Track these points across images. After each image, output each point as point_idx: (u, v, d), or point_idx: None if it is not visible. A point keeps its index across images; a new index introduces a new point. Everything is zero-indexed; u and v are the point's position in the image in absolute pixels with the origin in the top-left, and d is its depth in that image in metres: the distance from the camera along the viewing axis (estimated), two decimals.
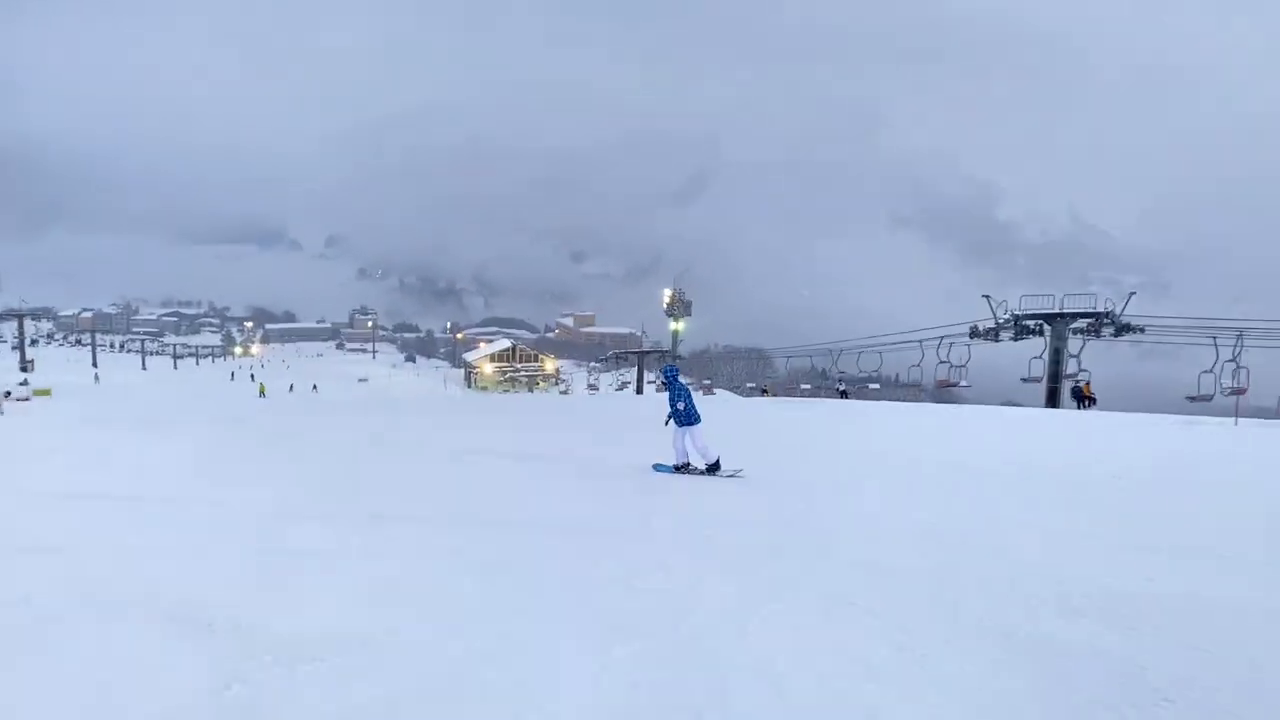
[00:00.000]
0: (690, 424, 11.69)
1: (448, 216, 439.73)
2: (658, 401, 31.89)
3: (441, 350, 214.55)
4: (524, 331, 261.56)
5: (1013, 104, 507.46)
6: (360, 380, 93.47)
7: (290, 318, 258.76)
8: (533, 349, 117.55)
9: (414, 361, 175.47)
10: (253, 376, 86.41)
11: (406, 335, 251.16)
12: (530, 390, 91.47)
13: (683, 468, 11.79)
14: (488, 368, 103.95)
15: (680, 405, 11.72)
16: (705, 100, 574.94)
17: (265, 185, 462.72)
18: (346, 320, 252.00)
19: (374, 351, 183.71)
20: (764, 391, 42.68)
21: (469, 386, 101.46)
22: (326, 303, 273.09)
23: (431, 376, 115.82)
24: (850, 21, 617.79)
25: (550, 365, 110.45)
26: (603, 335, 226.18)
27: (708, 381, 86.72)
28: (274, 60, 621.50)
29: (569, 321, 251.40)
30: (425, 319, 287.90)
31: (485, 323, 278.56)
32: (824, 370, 62.12)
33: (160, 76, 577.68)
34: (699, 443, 11.56)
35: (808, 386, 54.87)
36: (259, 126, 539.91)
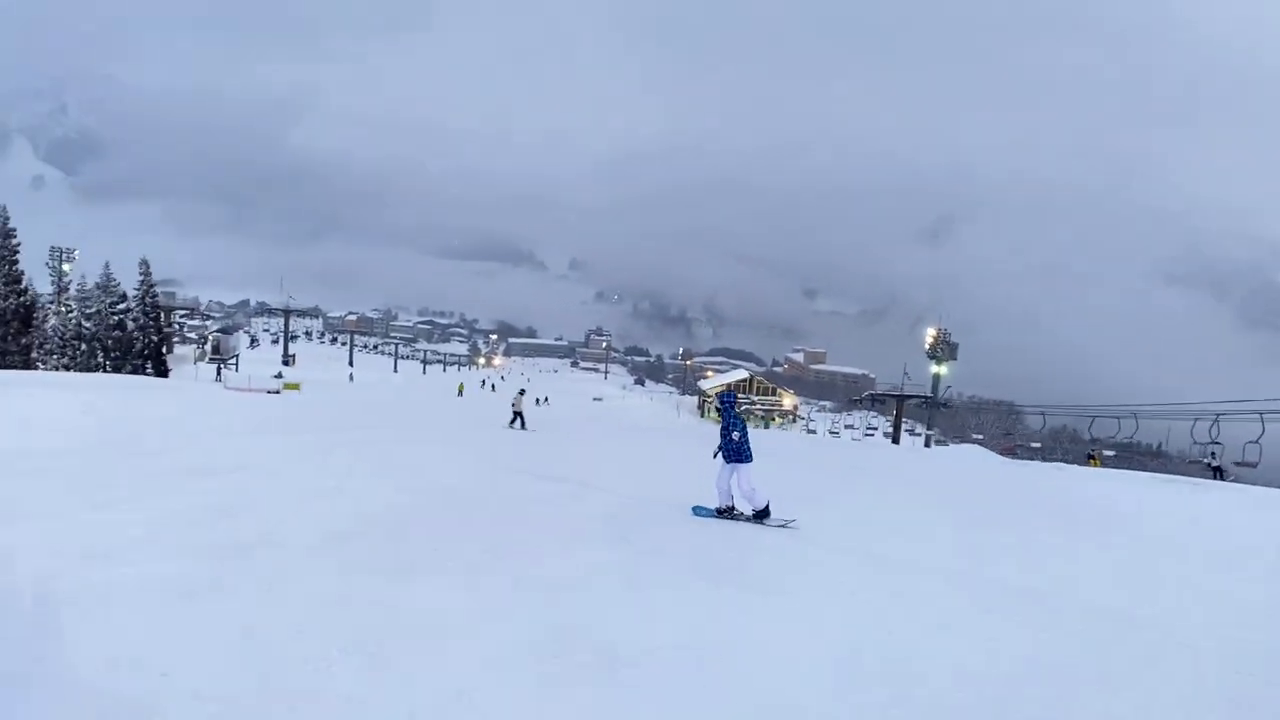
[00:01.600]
0: (740, 461, 10.26)
1: (683, 246, 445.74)
2: (925, 457, 26.15)
3: (669, 375, 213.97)
4: (751, 364, 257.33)
5: None
6: (595, 399, 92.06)
7: (531, 333, 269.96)
8: (770, 382, 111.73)
9: (643, 385, 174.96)
10: (493, 387, 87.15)
11: (636, 358, 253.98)
12: (766, 426, 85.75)
13: (726, 511, 10.47)
14: None
15: (735, 436, 10.28)
16: (961, 141, 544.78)
17: (517, 208, 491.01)
18: (582, 340, 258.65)
19: (606, 372, 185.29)
20: (1091, 459, 34.50)
21: (702, 415, 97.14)
22: (564, 322, 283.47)
23: (664, 402, 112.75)
24: (1125, 66, 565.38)
25: (789, 401, 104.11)
26: (833, 374, 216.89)
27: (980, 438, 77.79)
28: (529, 92, 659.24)
29: (799, 357, 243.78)
30: (655, 344, 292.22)
31: (712, 352, 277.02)
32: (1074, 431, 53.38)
33: (428, 103, 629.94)
34: (744, 485, 10.16)
35: (1111, 453, 45.49)
36: (514, 154, 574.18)
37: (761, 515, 10.14)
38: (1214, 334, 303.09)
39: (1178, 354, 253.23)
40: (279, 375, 47.69)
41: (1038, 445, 47.27)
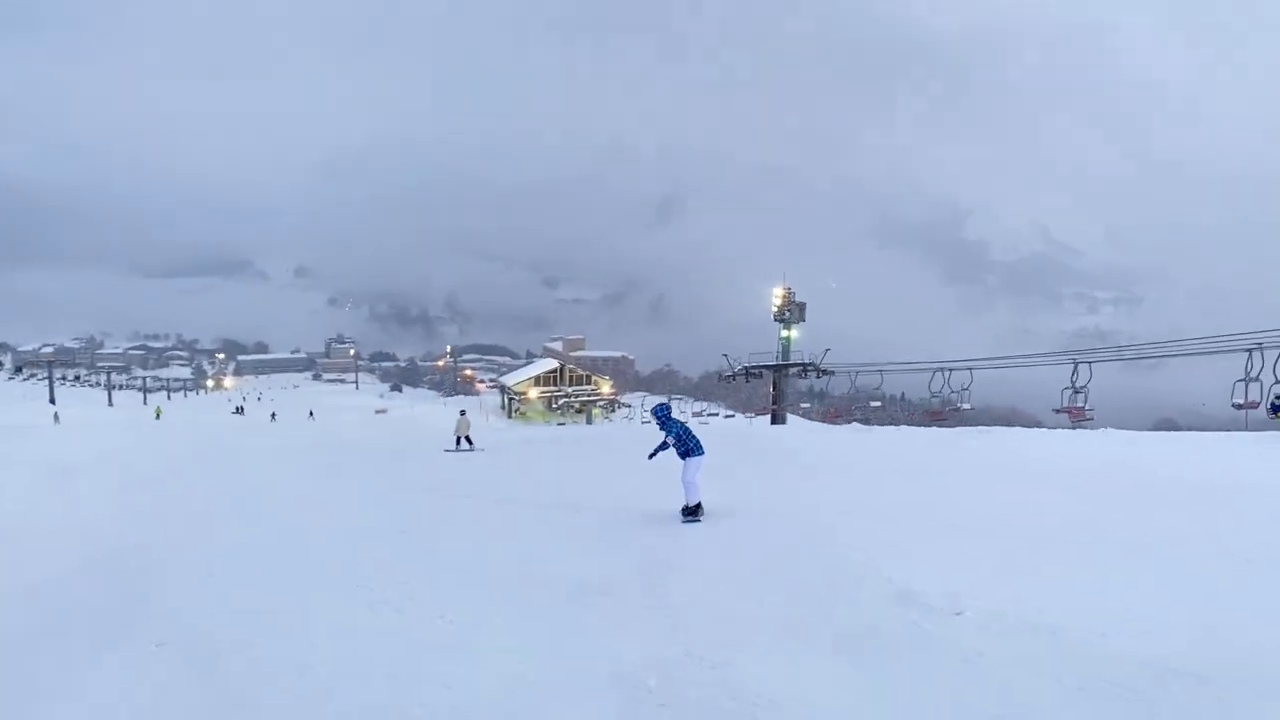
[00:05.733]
0: (690, 455, 11.09)
1: (417, 244, 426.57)
2: (818, 436, 25.11)
3: (425, 379, 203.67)
4: (506, 358, 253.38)
5: (977, 124, 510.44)
6: (378, 412, 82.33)
7: (262, 349, 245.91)
8: (582, 369, 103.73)
9: (400, 391, 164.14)
10: (239, 409, 75.73)
11: (384, 364, 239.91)
12: (589, 420, 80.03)
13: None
14: (533, 393, 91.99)
15: (670, 441, 11.28)
16: (676, 121, 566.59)
17: (229, 217, 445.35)
18: (322, 350, 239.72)
19: (356, 382, 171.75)
20: None
21: (509, 416, 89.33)
22: (299, 333, 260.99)
23: (464, 405, 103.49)
24: (809, 44, 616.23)
25: (606, 387, 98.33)
26: (594, 359, 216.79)
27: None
28: (236, 92, 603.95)
29: (558, 346, 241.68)
30: (399, 348, 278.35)
31: (465, 350, 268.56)
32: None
33: (124, 111, 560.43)
34: (688, 475, 10.97)
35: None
36: (223, 159, 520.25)
37: (690, 512, 10.90)
38: (927, 290, 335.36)
39: (903, 312, 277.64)
40: None
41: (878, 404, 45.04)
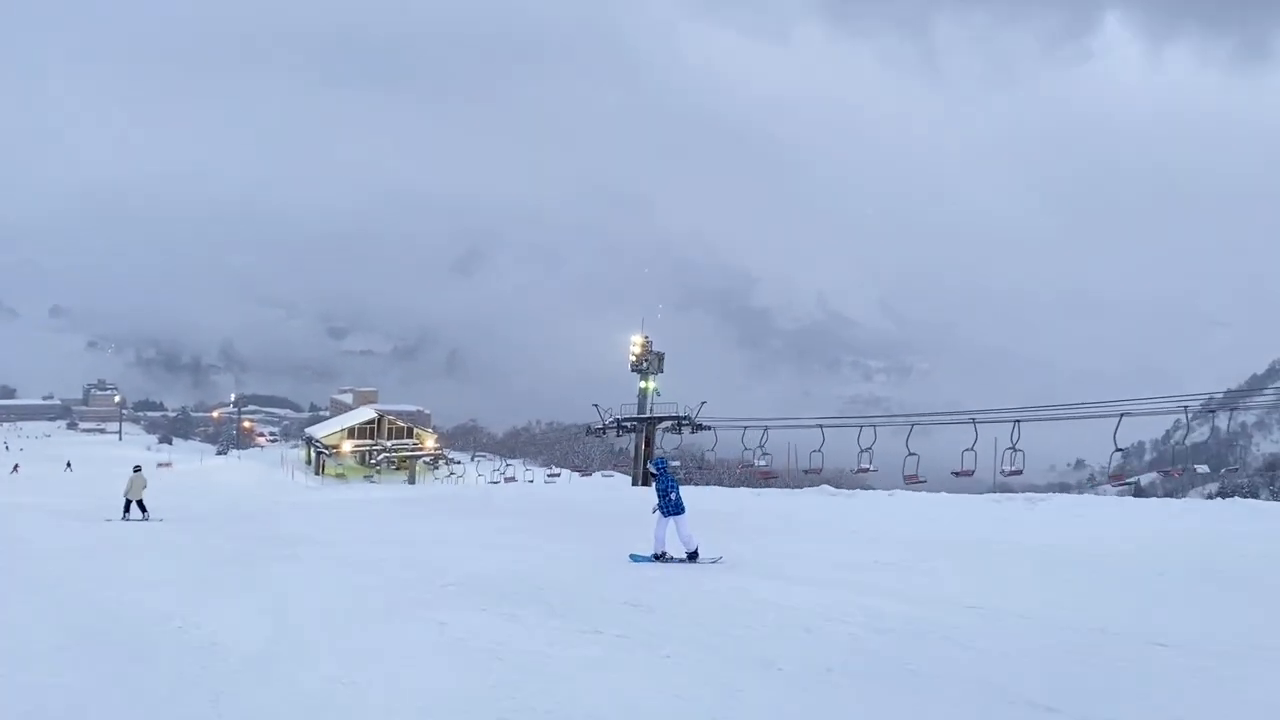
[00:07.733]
0: (679, 513, 12.21)
1: (190, 286, 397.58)
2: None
3: (198, 430, 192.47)
4: (288, 410, 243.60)
5: (763, 199, 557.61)
6: (161, 465, 74.92)
7: (8, 393, 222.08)
8: (404, 422, 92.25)
9: (170, 443, 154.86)
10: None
11: (151, 414, 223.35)
12: (411, 480, 74.66)
13: (660, 556, 12.27)
14: (346, 445, 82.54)
15: (673, 496, 12.16)
16: (480, 176, 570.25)
17: None
18: (80, 397, 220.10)
19: (120, 432, 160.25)
20: None
21: (318, 473, 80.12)
22: (52, 378, 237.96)
23: (259, 459, 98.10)
24: (609, 107, 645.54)
25: (430, 441, 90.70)
26: (385, 412, 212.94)
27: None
28: None
29: (347, 398, 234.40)
30: (168, 396, 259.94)
31: (242, 401, 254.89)
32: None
33: None
34: (684, 531, 12.13)
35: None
36: None
37: (693, 556, 12.09)
38: (725, 354, 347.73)
39: (702, 371, 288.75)
40: None
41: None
